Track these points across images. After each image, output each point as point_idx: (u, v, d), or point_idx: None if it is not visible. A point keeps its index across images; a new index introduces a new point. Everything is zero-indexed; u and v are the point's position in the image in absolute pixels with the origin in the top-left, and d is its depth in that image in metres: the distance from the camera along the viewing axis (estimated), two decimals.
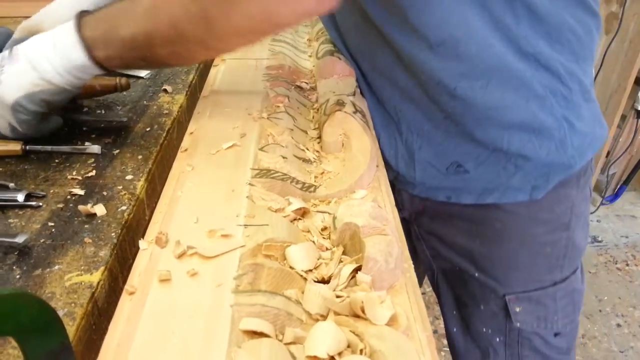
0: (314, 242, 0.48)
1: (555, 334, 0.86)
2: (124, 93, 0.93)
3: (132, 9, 0.61)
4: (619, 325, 2.06)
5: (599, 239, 2.49)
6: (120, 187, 0.68)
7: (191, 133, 0.65)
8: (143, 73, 0.99)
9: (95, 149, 0.75)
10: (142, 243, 0.46)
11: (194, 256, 0.43)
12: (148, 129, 0.81)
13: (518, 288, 0.84)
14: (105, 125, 0.82)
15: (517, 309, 0.84)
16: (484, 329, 0.88)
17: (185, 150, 0.61)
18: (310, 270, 0.44)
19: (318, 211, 0.53)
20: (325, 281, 0.44)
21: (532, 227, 0.80)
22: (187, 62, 0.66)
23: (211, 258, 0.43)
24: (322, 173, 0.60)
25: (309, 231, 0.49)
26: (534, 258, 0.82)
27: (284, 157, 0.59)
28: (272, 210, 0.50)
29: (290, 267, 0.44)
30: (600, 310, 2.12)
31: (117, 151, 0.75)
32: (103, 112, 0.86)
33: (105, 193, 0.67)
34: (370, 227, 0.45)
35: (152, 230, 0.48)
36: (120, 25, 0.62)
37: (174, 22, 0.57)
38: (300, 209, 0.51)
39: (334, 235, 0.47)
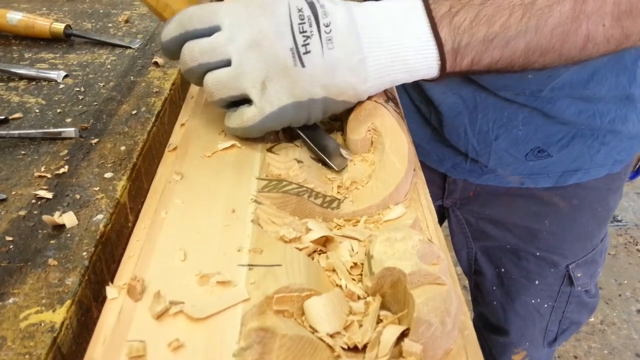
0: (341, 286, 0.36)
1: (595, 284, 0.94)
2: (108, 67, 0.79)
3: (532, 19, 0.48)
4: (639, 311, 1.96)
5: (619, 218, 2.37)
6: (97, 189, 0.55)
7: (182, 124, 0.52)
8: (136, 44, 0.85)
9: (71, 132, 0.63)
10: (110, 290, 0.34)
11: (178, 316, 0.32)
12: (134, 112, 0.68)
13: (580, 255, 0.87)
14: (83, 107, 0.69)
15: (579, 275, 0.88)
16: (533, 301, 0.91)
17: (174, 149, 0.48)
18: (339, 333, 0.33)
19: (344, 236, 0.41)
20: (358, 349, 0.32)
21: (607, 197, 0.83)
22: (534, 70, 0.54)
23: (203, 320, 0.31)
24: (346, 181, 0.47)
25: (333, 270, 0.37)
26: (598, 223, 0.86)
27: (298, 161, 0.46)
28: (285, 241, 0.38)
29: (311, 329, 0.33)
30: (619, 295, 2.02)
31: (96, 140, 0.63)
32: (82, 89, 0.73)
33: (78, 196, 0.55)
34: (421, 274, 0.33)
35: (125, 269, 0.36)
36: (507, 36, 0.47)
37: (586, 40, 0.50)
38: (321, 237, 0.39)
39: (369, 281, 0.35)
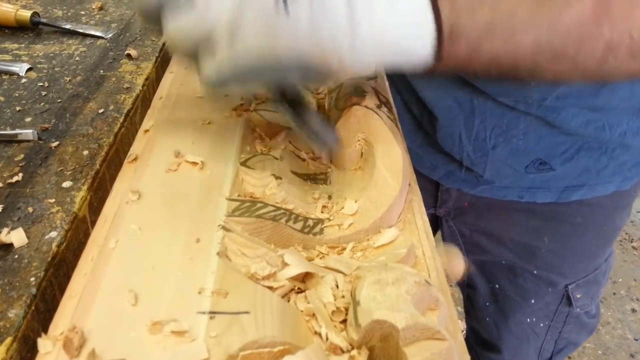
0: (321, 336, 0.30)
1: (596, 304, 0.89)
2: (77, 59, 0.73)
3: (545, 12, 0.40)
4: (634, 310, 1.93)
5: None
6: (53, 200, 0.49)
7: (146, 131, 0.46)
8: (109, 33, 0.78)
9: (29, 134, 0.57)
10: (42, 343, 0.28)
11: None
12: (101, 111, 0.62)
13: (581, 275, 0.81)
14: (45, 104, 0.63)
15: (578, 295, 0.83)
16: (528, 319, 0.86)
17: (134, 159, 0.42)
18: None
19: (327, 268, 0.35)
20: None
21: (614, 216, 0.77)
22: (550, 83, 0.45)
23: None
24: (332, 199, 0.41)
25: (313, 315, 0.31)
26: (602, 243, 0.80)
27: (276, 177, 0.40)
28: (256, 279, 0.32)
29: None
30: (614, 294, 1.99)
31: (56, 143, 0.57)
32: (45, 84, 0.67)
33: (30, 209, 0.49)
34: (417, 328, 0.27)
35: (63, 314, 0.30)
36: (512, 25, 0.39)
37: (607, 51, 0.41)
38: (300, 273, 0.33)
39: (355, 334, 0.29)
